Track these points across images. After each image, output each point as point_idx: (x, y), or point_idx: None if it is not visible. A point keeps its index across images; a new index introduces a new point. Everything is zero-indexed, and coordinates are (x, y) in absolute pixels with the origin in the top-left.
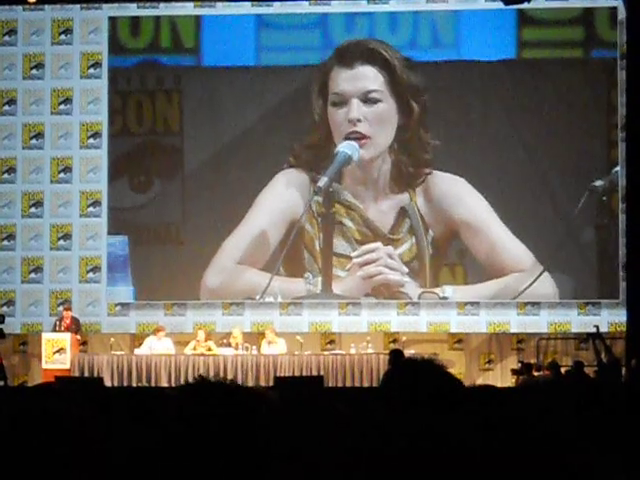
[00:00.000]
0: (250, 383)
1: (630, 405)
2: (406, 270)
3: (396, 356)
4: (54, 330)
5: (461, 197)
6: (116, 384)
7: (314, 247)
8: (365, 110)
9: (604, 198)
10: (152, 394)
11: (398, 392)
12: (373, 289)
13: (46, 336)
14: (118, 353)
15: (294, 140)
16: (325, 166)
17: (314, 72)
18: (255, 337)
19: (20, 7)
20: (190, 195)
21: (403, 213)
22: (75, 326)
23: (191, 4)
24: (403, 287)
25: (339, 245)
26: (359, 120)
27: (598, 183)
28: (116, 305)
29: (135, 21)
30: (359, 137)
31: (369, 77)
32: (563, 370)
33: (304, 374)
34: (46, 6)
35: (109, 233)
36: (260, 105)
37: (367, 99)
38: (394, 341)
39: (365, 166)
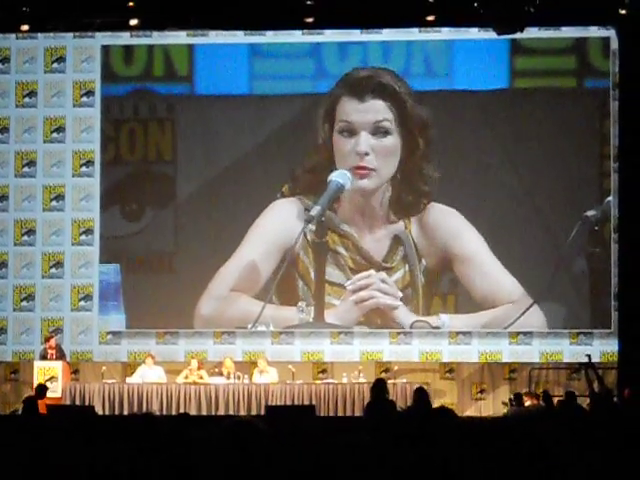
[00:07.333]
0: (242, 412)
1: (624, 435)
2: (400, 294)
3: (379, 386)
4: (44, 359)
5: (455, 229)
6: (107, 413)
7: (309, 276)
8: (373, 142)
9: (596, 228)
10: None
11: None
12: (365, 315)
13: (38, 364)
14: (110, 382)
15: (287, 168)
16: (321, 191)
17: (322, 99)
18: (247, 366)
19: (13, 35)
20: (182, 224)
21: (397, 241)
22: (61, 352)
23: (184, 33)
24: (397, 310)
25: (333, 274)
26: (367, 153)
27: (591, 213)
28: (108, 333)
29: (128, 50)
30: (365, 169)
31: (379, 111)
32: (555, 400)
33: (296, 403)
34: (39, 34)
35: (101, 261)
36: (253, 134)
37: (376, 132)
38: (386, 370)
39: (367, 195)
